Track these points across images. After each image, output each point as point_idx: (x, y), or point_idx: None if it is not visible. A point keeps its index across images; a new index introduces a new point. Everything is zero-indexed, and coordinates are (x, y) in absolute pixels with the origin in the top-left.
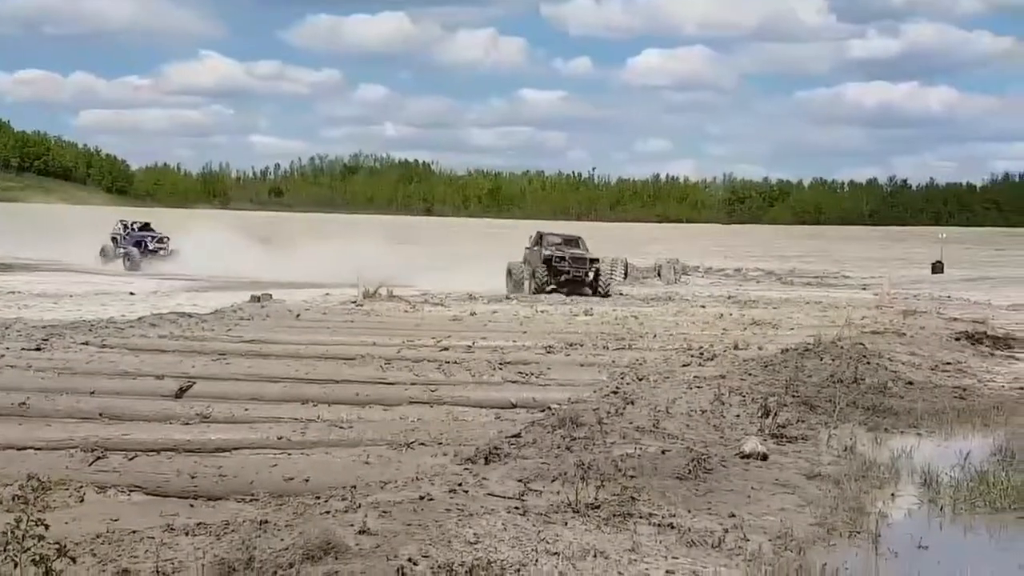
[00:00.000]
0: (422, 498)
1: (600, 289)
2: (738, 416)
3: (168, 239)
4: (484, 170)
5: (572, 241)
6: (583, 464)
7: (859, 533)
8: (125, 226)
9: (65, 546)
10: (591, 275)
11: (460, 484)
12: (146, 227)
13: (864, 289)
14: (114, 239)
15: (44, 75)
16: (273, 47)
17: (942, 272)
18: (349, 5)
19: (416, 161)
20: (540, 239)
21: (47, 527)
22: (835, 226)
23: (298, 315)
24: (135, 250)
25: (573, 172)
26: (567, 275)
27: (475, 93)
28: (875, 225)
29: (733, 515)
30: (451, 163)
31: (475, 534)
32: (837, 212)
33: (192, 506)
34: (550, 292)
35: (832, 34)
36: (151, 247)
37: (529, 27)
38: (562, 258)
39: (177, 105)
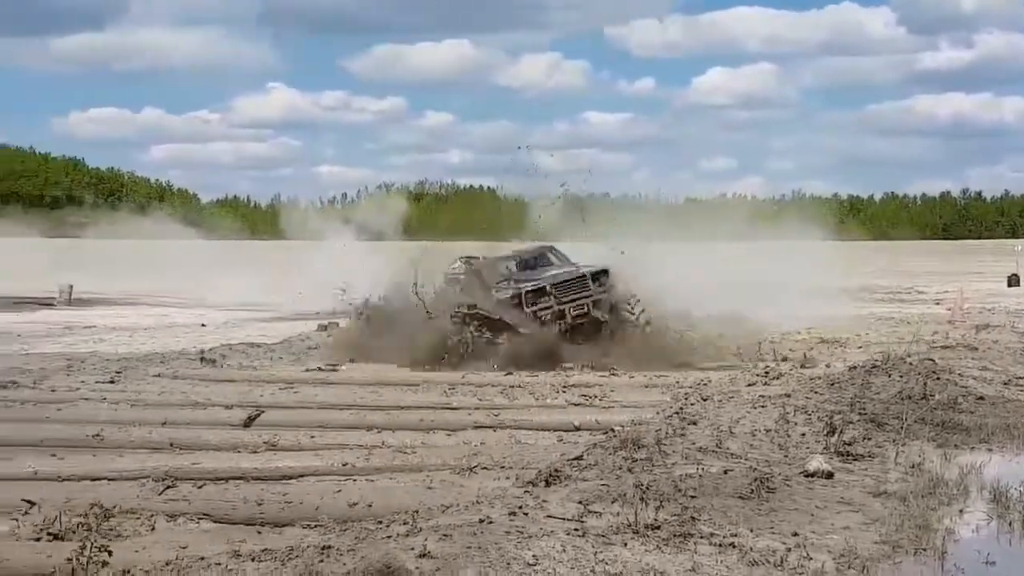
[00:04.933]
0: (482, 521)
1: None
2: (803, 435)
3: None
4: (550, 194)
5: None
6: (642, 485)
7: (925, 550)
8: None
9: (131, 572)
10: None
11: (520, 507)
12: None
13: (937, 304)
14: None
15: (116, 112)
16: (338, 77)
17: (1019, 285)
18: (413, 34)
19: (481, 187)
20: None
21: (110, 553)
22: (908, 240)
23: None
24: None
25: (639, 193)
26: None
27: (538, 117)
28: (949, 239)
29: (796, 534)
30: (515, 188)
31: (534, 556)
32: (910, 226)
33: (259, 532)
34: None
35: (902, 46)
36: None
37: (592, 50)
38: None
39: (245, 138)
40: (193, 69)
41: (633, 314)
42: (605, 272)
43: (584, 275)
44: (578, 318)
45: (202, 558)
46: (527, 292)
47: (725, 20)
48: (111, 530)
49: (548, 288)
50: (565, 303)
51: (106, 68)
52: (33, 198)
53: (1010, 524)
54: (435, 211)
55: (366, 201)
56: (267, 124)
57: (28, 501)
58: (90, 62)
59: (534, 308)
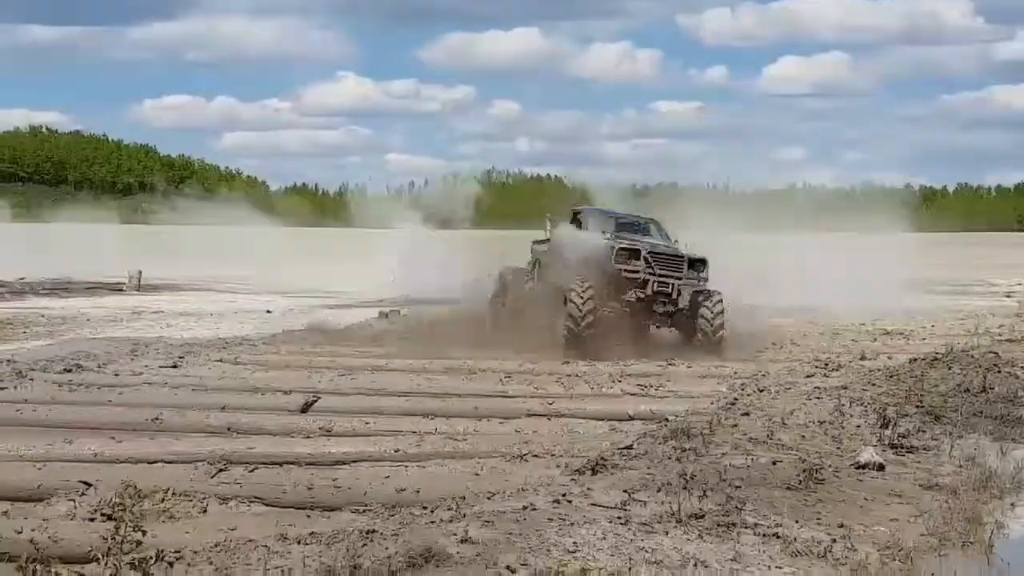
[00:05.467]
0: (525, 508)
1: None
2: (858, 427)
3: None
4: (619, 184)
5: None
6: (686, 474)
7: (972, 543)
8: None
9: (163, 551)
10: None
11: (564, 494)
12: None
13: (1008, 297)
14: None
15: (189, 100)
16: (408, 66)
17: None
18: (483, 22)
19: (549, 176)
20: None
21: (144, 533)
22: (983, 232)
23: None
24: None
25: (709, 184)
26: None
27: (608, 106)
28: None
29: (842, 525)
30: (584, 177)
31: (574, 543)
32: (985, 218)
33: (308, 517)
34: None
35: (979, 36)
36: None
37: (664, 39)
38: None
39: (314, 126)
40: (265, 58)
41: (711, 312)
42: (703, 262)
43: (683, 256)
44: (659, 294)
45: (250, 540)
46: (619, 248)
47: (798, 8)
48: (164, 511)
49: (644, 254)
50: (652, 275)
51: (180, 57)
52: (106, 184)
53: None
54: (502, 199)
55: (435, 188)
56: (337, 112)
57: (85, 483)
58: (165, 50)
59: (619, 267)
